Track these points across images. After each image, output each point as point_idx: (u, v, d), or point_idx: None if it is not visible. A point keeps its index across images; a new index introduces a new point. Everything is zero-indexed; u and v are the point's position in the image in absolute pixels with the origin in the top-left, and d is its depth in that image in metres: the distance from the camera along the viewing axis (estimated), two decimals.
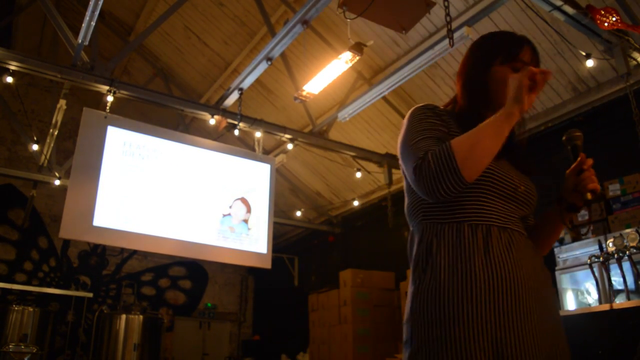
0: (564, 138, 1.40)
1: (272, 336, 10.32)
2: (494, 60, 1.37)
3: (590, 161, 1.33)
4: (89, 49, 5.20)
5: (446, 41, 3.94)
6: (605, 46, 4.44)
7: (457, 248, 1.20)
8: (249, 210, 6.04)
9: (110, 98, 5.22)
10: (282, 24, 5.22)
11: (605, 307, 3.04)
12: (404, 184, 1.41)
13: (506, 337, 1.11)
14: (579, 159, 1.35)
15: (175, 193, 5.55)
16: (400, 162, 1.33)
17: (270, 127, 6.21)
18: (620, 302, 3.23)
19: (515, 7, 4.71)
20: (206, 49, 7.51)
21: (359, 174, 7.43)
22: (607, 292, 3.40)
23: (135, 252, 10.00)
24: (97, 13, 4.39)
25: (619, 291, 3.43)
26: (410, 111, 1.37)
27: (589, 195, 1.31)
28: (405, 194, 1.41)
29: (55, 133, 6.63)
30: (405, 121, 1.36)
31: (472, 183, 1.19)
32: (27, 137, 7.20)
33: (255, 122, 6.07)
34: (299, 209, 8.95)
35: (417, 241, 1.29)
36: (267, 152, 7.60)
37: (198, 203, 5.68)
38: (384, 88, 5.23)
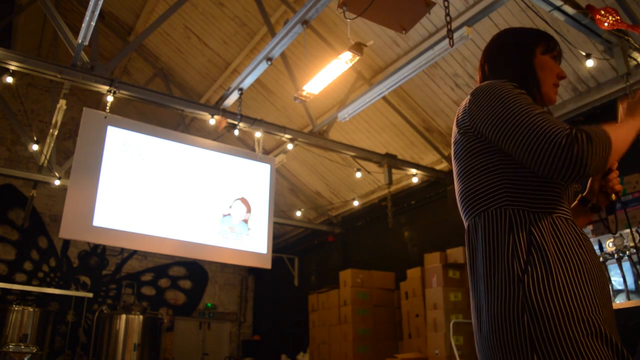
0: None
1: (272, 336, 10.32)
2: (537, 47, 1.40)
3: (616, 163, 1.34)
4: (89, 49, 5.20)
5: (446, 41, 3.94)
6: (605, 46, 4.44)
7: (560, 241, 1.19)
8: (249, 210, 6.04)
9: (110, 98, 5.22)
10: (282, 24, 5.22)
11: None
12: (457, 167, 1.34)
13: (610, 325, 1.17)
14: None
15: (175, 193, 5.55)
16: (496, 133, 1.21)
17: (270, 127, 6.21)
18: (620, 302, 3.23)
19: (515, 7, 4.71)
20: (206, 49, 7.51)
21: (359, 174, 7.43)
22: None
23: (135, 252, 10.00)
24: (97, 13, 4.39)
25: (619, 291, 3.42)
26: (491, 85, 1.27)
27: (613, 197, 1.33)
28: (468, 177, 1.31)
29: (55, 133, 6.63)
30: (491, 94, 1.25)
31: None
32: (27, 137, 7.20)
33: (255, 122, 6.07)
34: (299, 209, 8.95)
35: (505, 230, 1.20)
36: (267, 152, 7.60)
37: (198, 203, 5.68)
38: (384, 88, 5.23)
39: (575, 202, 1.45)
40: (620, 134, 1.18)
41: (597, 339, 1.09)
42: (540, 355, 1.08)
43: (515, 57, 1.39)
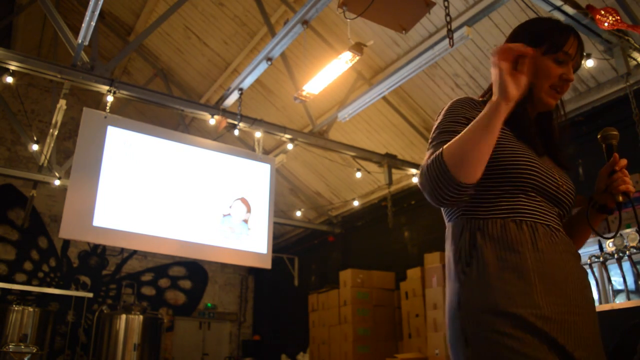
0: (599, 136, 1.36)
1: (272, 336, 10.32)
2: (535, 48, 1.30)
3: (623, 162, 1.30)
4: (89, 49, 5.20)
5: (446, 41, 3.94)
6: (605, 46, 4.44)
7: (504, 241, 1.19)
8: (249, 210, 6.04)
9: (110, 98, 5.22)
10: (282, 24, 5.22)
11: (605, 307, 3.04)
12: None
13: (559, 328, 1.12)
14: (611, 159, 1.31)
15: (175, 193, 5.55)
16: None
17: (270, 127, 6.21)
18: (620, 302, 3.23)
19: (515, 7, 4.71)
20: (206, 49, 7.51)
21: (359, 174, 7.43)
22: (607, 292, 3.41)
23: (135, 252, 10.00)
24: (97, 13, 4.39)
25: (619, 291, 3.43)
26: (446, 106, 1.35)
27: (620, 198, 1.29)
28: None
29: (55, 133, 6.63)
30: (439, 114, 1.35)
31: (515, 182, 1.21)
32: (27, 137, 7.20)
33: (255, 122, 6.07)
34: (299, 209, 8.95)
35: (457, 236, 1.26)
36: (267, 152, 7.60)
37: (198, 203, 5.68)
38: (384, 88, 5.23)
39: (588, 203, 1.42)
40: (475, 134, 1.14)
41: (524, 333, 1.09)
42: (473, 349, 1.13)
43: None
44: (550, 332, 1.10)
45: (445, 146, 1.16)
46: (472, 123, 1.16)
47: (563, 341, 1.10)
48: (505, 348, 1.08)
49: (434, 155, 1.17)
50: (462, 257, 1.22)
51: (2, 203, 9.04)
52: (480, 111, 1.22)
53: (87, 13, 4.40)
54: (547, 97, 1.32)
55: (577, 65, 1.36)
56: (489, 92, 1.39)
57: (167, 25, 7.00)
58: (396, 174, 7.11)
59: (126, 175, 5.29)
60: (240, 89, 5.62)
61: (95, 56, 5.24)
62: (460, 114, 1.29)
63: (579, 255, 1.30)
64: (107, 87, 5.17)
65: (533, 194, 1.24)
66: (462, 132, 1.16)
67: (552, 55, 1.30)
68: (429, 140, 1.31)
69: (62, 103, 6.03)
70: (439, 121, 1.31)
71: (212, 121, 5.88)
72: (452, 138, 1.19)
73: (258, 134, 6.22)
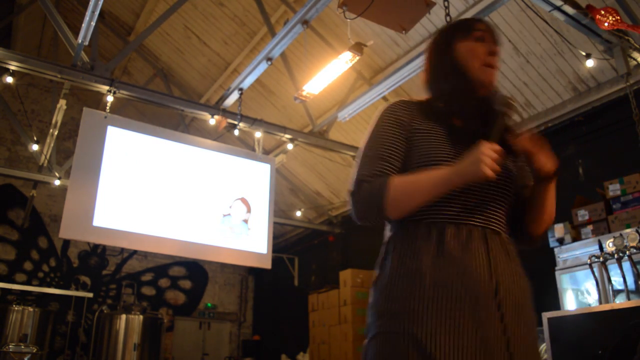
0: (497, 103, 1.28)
1: (272, 336, 10.32)
2: (454, 39, 1.38)
3: (496, 147, 1.19)
4: (89, 49, 5.20)
5: None
6: (605, 46, 4.44)
7: (408, 246, 1.23)
8: (249, 210, 6.04)
9: (110, 98, 5.22)
10: (282, 24, 5.22)
11: (605, 307, 3.04)
12: None
13: (440, 338, 1.11)
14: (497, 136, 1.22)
15: (175, 193, 5.55)
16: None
17: (270, 127, 6.21)
18: (620, 302, 3.23)
19: (515, 7, 4.71)
20: (206, 49, 7.51)
21: None
22: (607, 292, 3.41)
23: (135, 252, 10.00)
24: (97, 13, 4.39)
25: (619, 291, 3.43)
26: (379, 112, 1.37)
27: (544, 172, 1.26)
28: None
29: (55, 133, 6.63)
30: (372, 122, 1.37)
31: None
32: (27, 137, 7.20)
33: (255, 122, 6.07)
34: (299, 209, 8.95)
35: (385, 241, 1.34)
36: (267, 152, 7.60)
37: (198, 203, 5.68)
38: (384, 88, 5.23)
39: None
40: (429, 189, 1.19)
41: (407, 341, 1.13)
42: (373, 346, 1.20)
43: (434, 58, 1.42)
44: (427, 347, 1.11)
45: (392, 183, 1.20)
46: (430, 179, 1.19)
47: (440, 354, 1.09)
48: (393, 349, 1.14)
49: (376, 183, 1.22)
50: (378, 261, 1.31)
51: (2, 203, 9.04)
52: (413, 113, 1.30)
53: (87, 13, 4.40)
54: (483, 75, 1.34)
55: (496, 41, 1.38)
56: (435, 96, 1.39)
57: (167, 25, 7.00)
58: None
59: (126, 175, 5.29)
60: (240, 89, 5.62)
61: (95, 56, 5.24)
62: (394, 120, 1.32)
63: (506, 251, 1.24)
64: (107, 87, 5.17)
65: (456, 192, 1.22)
66: (416, 181, 1.20)
67: (469, 36, 1.36)
68: (363, 147, 1.33)
69: (62, 103, 6.03)
70: (372, 131, 1.34)
71: (212, 121, 5.88)
72: (385, 157, 1.26)
73: (258, 134, 6.22)
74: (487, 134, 1.21)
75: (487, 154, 1.13)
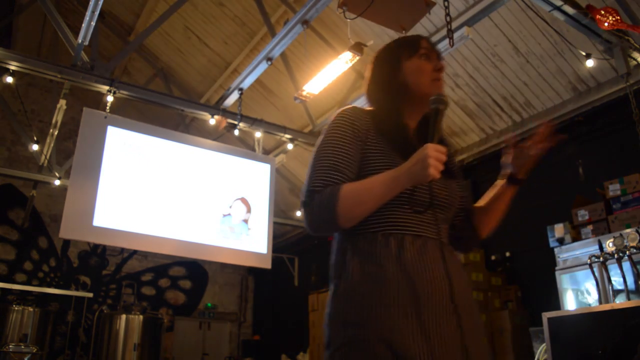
0: (431, 99, 1.30)
1: (272, 336, 10.32)
2: (400, 57, 1.42)
3: (442, 148, 1.22)
4: (89, 49, 5.20)
5: (446, 41, 3.94)
6: (605, 46, 4.44)
7: (369, 254, 1.23)
8: (249, 210, 6.04)
9: (110, 98, 5.23)
10: (282, 24, 5.22)
11: (605, 307, 3.04)
12: None
13: (410, 340, 1.13)
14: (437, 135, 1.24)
15: (175, 193, 5.55)
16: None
17: (270, 127, 6.21)
18: (620, 302, 3.23)
19: (515, 7, 4.71)
20: (206, 49, 7.51)
21: None
22: (607, 292, 3.41)
23: (135, 252, 9.99)
24: (97, 13, 4.40)
25: (619, 291, 3.43)
26: (332, 118, 1.38)
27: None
28: None
29: (55, 133, 6.63)
30: (325, 129, 1.36)
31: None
32: (27, 137, 7.20)
33: (255, 122, 6.07)
34: (299, 209, 8.96)
35: (334, 250, 1.34)
36: (267, 152, 7.60)
37: (198, 203, 5.68)
38: None
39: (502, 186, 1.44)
40: (377, 193, 1.21)
41: (375, 347, 1.13)
42: (336, 354, 1.19)
43: (384, 74, 1.46)
44: (402, 351, 1.12)
45: (342, 191, 1.20)
46: (378, 183, 1.21)
47: (410, 354, 1.12)
48: (367, 357, 1.13)
49: (327, 193, 1.22)
50: (335, 272, 1.30)
51: (2, 203, 9.04)
52: (368, 123, 1.32)
53: (87, 13, 4.40)
54: (432, 88, 1.38)
55: (440, 57, 1.45)
56: (385, 109, 1.42)
57: (167, 25, 7.00)
58: None
59: (126, 175, 5.29)
60: (240, 89, 5.62)
61: (95, 56, 5.25)
62: (350, 128, 1.33)
63: (455, 260, 1.32)
64: (107, 87, 5.17)
65: (407, 207, 1.26)
66: (364, 187, 1.22)
67: (415, 55, 1.41)
68: (316, 155, 1.31)
69: (62, 103, 6.03)
70: (326, 138, 1.33)
71: (212, 121, 5.88)
72: (337, 167, 1.25)
73: (258, 134, 6.22)
74: (427, 135, 1.25)
75: (432, 155, 1.16)
